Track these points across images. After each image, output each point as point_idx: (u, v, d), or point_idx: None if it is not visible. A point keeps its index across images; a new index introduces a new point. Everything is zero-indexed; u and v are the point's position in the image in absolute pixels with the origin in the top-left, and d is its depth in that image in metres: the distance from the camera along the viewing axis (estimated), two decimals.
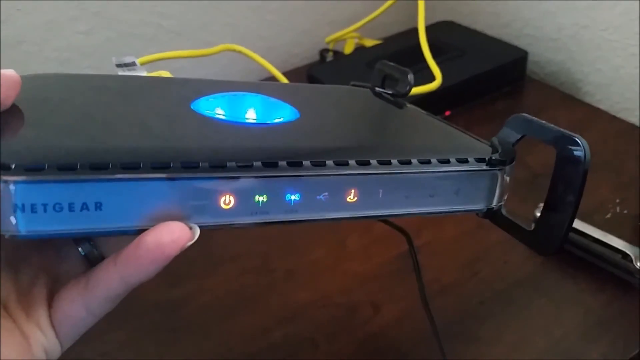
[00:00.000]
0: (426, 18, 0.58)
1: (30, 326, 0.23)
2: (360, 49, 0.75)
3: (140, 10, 0.67)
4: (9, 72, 0.21)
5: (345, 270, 0.47)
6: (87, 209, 0.20)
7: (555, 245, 0.26)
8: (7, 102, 0.21)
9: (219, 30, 0.72)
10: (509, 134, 0.28)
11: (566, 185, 0.25)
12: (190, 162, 0.21)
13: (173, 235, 0.21)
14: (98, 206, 0.20)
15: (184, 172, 0.21)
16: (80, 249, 0.25)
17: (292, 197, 0.23)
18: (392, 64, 0.36)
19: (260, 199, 0.22)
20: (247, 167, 0.22)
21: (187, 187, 0.21)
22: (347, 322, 0.43)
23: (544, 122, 0.26)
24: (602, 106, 0.67)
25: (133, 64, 0.35)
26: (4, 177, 0.18)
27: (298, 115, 0.29)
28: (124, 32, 0.67)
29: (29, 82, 0.23)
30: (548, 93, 0.70)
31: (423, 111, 0.34)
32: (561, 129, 0.25)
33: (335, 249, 0.49)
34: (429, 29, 0.59)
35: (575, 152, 0.24)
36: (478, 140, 0.29)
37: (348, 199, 0.24)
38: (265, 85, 0.34)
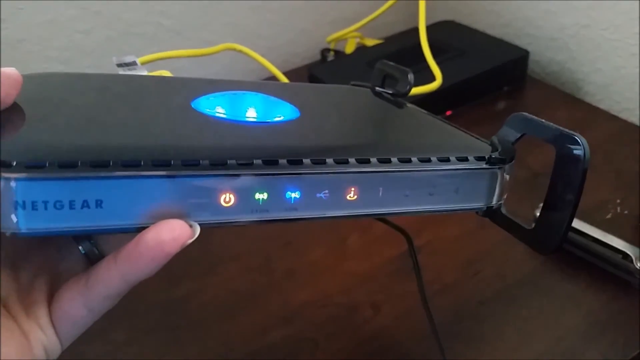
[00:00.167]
0: (427, 18, 0.58)
1: (31, 324, 0.23)
2: (361, 49, 0.75)
3: (141, 9, 0.67)
4: (10, 71, 0.21)
5: (345, 270, 0.47)
6: (88, 206, 0.20)
7: (554, 244, 0.25)
8: (8, 101, 0.22)
9: (220, 30, 0.72)
10: (509, 133, 0.28)
11: (566, 184, 0.25)
12: (190, 160, 0.21)
13: (173, 233, 0.21)
14: (99, 204, 0.20)
15: (184, 169, 0.21)
16: (80, 247, 0.25)
17: (292, 195, 0.23)
18: (392, 63, 0.36)
19: (261, 196, 0.23)
20: (247, 165, 0.22)
21: (188, 185, 0.21)
22: (347, 322, 0.43)
23: (543, 120, 0.26)
24: (602, 106, 0.67)
25: (134, 63, 0.35)
26: (5, 175, 0.19)
27: (298, 114, 0.29)
28: (124, 31, 0.67)
29: (30, 81, 0.23)
30: (549, 93, 0.70)
31: (423, 110, 0.34)
32: (561, 128, 0.25)
33: (336, 248, 0.49)
34: (429, 28, 0.59)
35: (574, 151, 0.24)
36: (478, 139, 0.29)
37: (348, 197, 0.24)
38: (265, 84, 0.34)
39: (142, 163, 0.20)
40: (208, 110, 0.27)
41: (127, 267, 0.21)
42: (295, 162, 0.23)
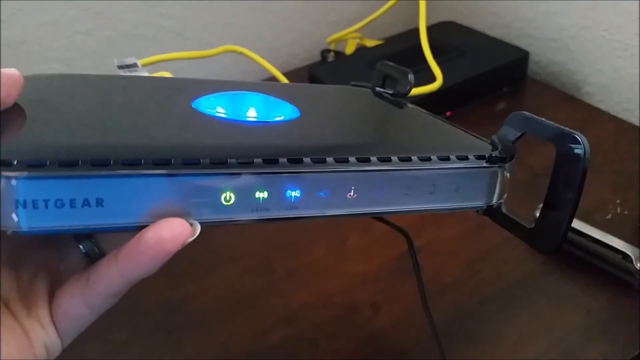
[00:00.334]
0: (427, 18, 0.58)
1: (31, 323, 0.23)
2: (361, 49, 0.75)
3: (141, 10, 0.67)
4: (11, 71, 0.21)
5: (345, 270, 0.47)
6: (89, 205, 0.20)
7: (555, 243, 0.26)
8: (10, 101, 0.22)
9: (220, 31, 0.72)
10: (509, 132, 0.28)
11: (566, 183, 0.25)
12: (191, 159, 0.21)
13: (174, 232, 0.21)
14: (99, 202, 0.20)
15: (184, 168, 0.21)
16: (81, 246, 0.25)
17: (293, 194, 0.23)
18: (392, 64, 0.36)
19: (261, 195, 0.23)
20: (247, 164, 0.22)
21: (188, 184, 0.21)
22: (347, 322, 0.43)
23: (543, 119, 0.26)
24: (602, 106, 0.67)
25: (134, 65, 0.35)
26: (6, 173, 0.19)
27: (298, 114, 0.29)
28: (124, 32, 0.67)
29: (31, 82, 0.23)
30: (549, 93, 0.70)
31: (423, 110, 0.35)
32: (561, 127, 0.25)
33: (336, 249, 0.49)
34: (430, 29, 0.59)
35: (575, 150, 0.24)
36: (478, 138, 0.29)
37: (348, 196, 0.24)
38: (265, 84, 0.34)
39: (142, 162, 0.20)
40: (209, 110, 0.27)
41: (127, 266, 0.21)
42: (296, 160, 0.23)
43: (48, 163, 0.19)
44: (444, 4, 0.82)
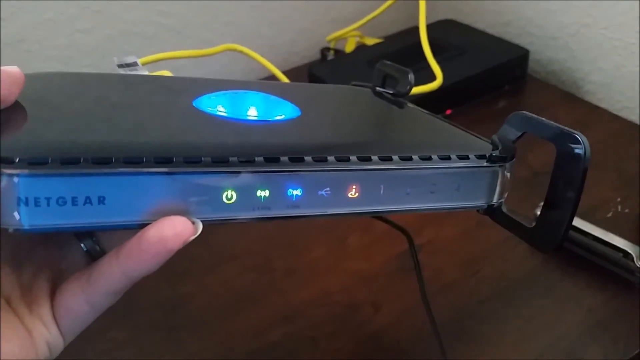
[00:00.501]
0: (427, 16, 0.58)
1: (33, 320, 0.23)
2: (361, 48, 0.75)
3: (141, 8, 0.67)
4: (12, 69, 0.21)
5: (345, 268, 0.47)
6: (90, 203, 0.20)
7: (555, 242, 0.26)
8: (11, 99, 0.22)
9: (220, 29, 0.72)
10: (509, 132, 0.28)
11: (566, 182, 0.25)
12: (192, 157, 0.21)
13: (176, 230, 0.21)
14: (101, 200, 0.20)
15: (186, 166, 0.21)
16: (82, 244, 0.25)
17: (294, 193, 0.23)
18: (392, 64, 0.36)
19: (262, 194, 0.23)
20: (249, 162, 0.22)
21: (190, 182, 0.21)
22: (348, 321, 0.43)
23: (544, 119, 0.26)
24: (603, 105, 0.67)
25: (135, 64, 0.35)
26: (8, 171, 0.19)
27: (299, 113, 0.29)
28: (124, 31, 0.67)
29: (31, 80, 0.23)
30: (549, 92, 0.70)
31: (424, 110, 0.35)
32: (561, 126, 0.25)
33: (336, 247, 0.49)
34: (430, 27, 0.59)
35: (575, 150, 0.24)
36: (479, 137, 0.29)
37: (349, 195, 0.24)
38: (266, 84, 0.34)
39: (144, 160, 0.20)
40: (209, 109, 0.27)
41: (129, 263, 0.21)
42: (297, 159, 0.23)
43: (50, 161, 0.19)
44: (444, 2, 0.82)
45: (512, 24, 0.75)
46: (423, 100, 0.54)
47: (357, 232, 0.50)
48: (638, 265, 0.43)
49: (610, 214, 0.51)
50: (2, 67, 0.21)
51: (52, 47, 0.64)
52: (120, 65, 0.34)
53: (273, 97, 0.30)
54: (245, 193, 0.22)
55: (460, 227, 0.50)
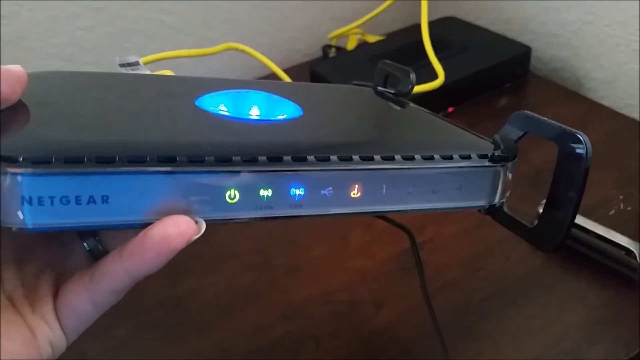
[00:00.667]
0: (429, 14, 0.58)
1: (36, 320, 0.23)
2: (362, 45, 0.75)
3: (142, 6, 0.67)
4: (15, 68, 0.21)
5: (347, 267, 0.47)
6: (94, 202, 0.20)
7: (556, 242, 0.26)
8: (14, 98, 0.22)
9: (221, 27, 0.72)
10: (511, 131, 0.28)
11: (568, 182, 0.25)
12: (196, 156, 0.21)
13: (179, 229, 0.21)
14: (105, 199, 0.20)
15: (189, 166, 0.21)
16: (85, 243, 0.25)
17: (297, 192, 0.23)
18: (394, 63, 0.36)
19: (265, 193, 0.23)
20: (252, 162, 0.22)
21: (193, 181, 0.21)
22: (349, 319, 0.43)
23: (545, 118, 0.26)
24: (605, 102, 0.67)
25: (136, 63, 0.35)
26: (12, 170, 0.19)
27: (301, 113, 0.29)
28: (125, 28, 0.67)
29: (34, 79, 0.23)
30: (551, 89, 0.70)
31: (426, 110, 0.34)
32: (563, 126, 0.25)
33: (338, 245, 0.49)
34: (431, 24, 0.59)
35: (577, 149, 0.24)
36: (480, 137, 0.29)
37: (352, 194, 0.24)
38: (268, 83, 0.34)
39: (147, 159, 0.20)
40: (212, 108, 0.27)
41: (132, 262, 0.21)
42: (300, 159, 0.23)
43: (54, 160, 0.19)
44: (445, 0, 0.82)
45: (514, 21, 0.75)
46: (425, 98, 0.54)
47: (359, 231, 0.50)
48: None
49: (612, 212, 0.50)
50: (5, 66, 0.21)
51: (53, 45, 0.64)
52: (122, 65, 0.34)
53: (275, 97, 0.30)
54: (248, 192, 0.22)
55: (461, 225, 0.50)
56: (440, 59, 0.57)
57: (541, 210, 0.26)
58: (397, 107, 0.35)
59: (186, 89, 0.30)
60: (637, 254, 0.43)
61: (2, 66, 0.21)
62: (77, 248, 0.25)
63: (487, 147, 0.27)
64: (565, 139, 0.25)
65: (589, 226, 0.45)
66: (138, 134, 0.23)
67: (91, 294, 0.23)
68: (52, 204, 0.19)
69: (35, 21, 0.62)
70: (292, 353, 0.41)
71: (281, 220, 0.24)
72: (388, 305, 0.44)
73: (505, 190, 0.27)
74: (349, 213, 0.25)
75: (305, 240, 0.50)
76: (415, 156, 0.25)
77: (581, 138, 0.24)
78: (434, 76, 0.55)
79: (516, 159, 0.27)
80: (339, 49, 0.76)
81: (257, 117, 0.28)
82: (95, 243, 0.25)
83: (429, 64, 0.56)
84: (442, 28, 0.72)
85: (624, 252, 0.44)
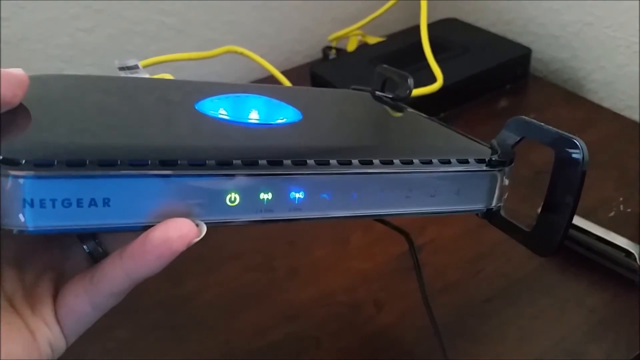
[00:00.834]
0: (429, 15, 0.58)
1: (36, 321, 0.23)
2: (363, 47, 0.75)
3: (143, 7, 0.67)
4: (16, 71, 0.21)
5: (348, 268, 0.47)
6: (95, 205, 0.20)
7: (553, 246, 0.26)
8: (16, 101, 0.22)
9: (221, 28, 0.72)
10: (508, 137, 0.28)
11: (564, 187, 0.25)
12: (197, 160, 0.21)
13: (181, 232, 0.21)
14: (106, 202, 0.20)
15: (190, 169, 0.21)
16: (84, 246, 0.25)
17: (297, 196, 0.23)
18: (392, 68, 0.37)
19: (265, 196, 0.23)
20: (252, 165, 0.22)
21: (194, 185, 0.21)
22: (350, 321, 0.43)
23: (542, 124, 0.27)
24: (605, 104, 0.67)
25: (136, 67, 0.35)
26: (14, 173, 0.19)
27: (300, 117, 0.29)
28: (125, 30, 0.67)
29: (35, 82, 0.23)
30: (551, 90, 0.70)
31: (423, 115, 0.35)
32: (559, 131, 0.26)
33: (338, 247, 0.49)
34: (431, 26, 0.59)
35: (573, 155, 0.25)
36: (478, 142, 0.29)
37: (350, 198, 0.25)
38: (267, 87, 0.35)
39: (149, 162, 0.21)
40: (212, 112, 0.27)
41: (132, 265, 0.21)
42: (300, 162, 0.23)
43: (56, 163, 0.19)
44: (446, 1, 0.82)
45: (514, 23, 0.75)
46: (425, 100, 0.54)
47: (359, 232, 0.50)
48: None
49: (612, 213, 0.50)
50: (6, 69, 0.21)
51: (54, 46, 0.64)
52: (122, 68, 0.34)
53: (274, 101, 0.30)
54: (249, 196, 0.23)
55: (462, 227, 0.50)
56: (440, 61, 0.57)
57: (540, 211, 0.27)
58: (396, 112, 0.35)
59: (186, 92, 0.30)
60: (637, 256, 0.43)
61: (3, 69, 0.21)
62: (76, 250, 0.25)
63: (485, 151, 0.27)
64: (561, 144, 0.25)
65: (589, 228, 0.45)
66: (139, 137, 0.24)
67: (91, 295, 0.23)
68: (53, 206, 0.19)
69: (36, 23, 0.62)
70: (293, 354, 0.41)
71: (281, 224, 0.24)
72: (389, 306, 0.44)
73: (502, 194, 0.28)
74: (348, 216, 0.25)
75: (306, 241, 0.50)
76: (414, 160, 0.25)
77: (577, 143, 0.25)
78: (434, 78, 0.55)
79: (513, 164, 0.27)
80: (339, 51, 0.76)
81: (257, 121, 0.28)
82: (94, 245, 0.25)
83: (429, 65, 0.57)
84: (443, 29, 0.72)
85: (623, 254, 0.44)
